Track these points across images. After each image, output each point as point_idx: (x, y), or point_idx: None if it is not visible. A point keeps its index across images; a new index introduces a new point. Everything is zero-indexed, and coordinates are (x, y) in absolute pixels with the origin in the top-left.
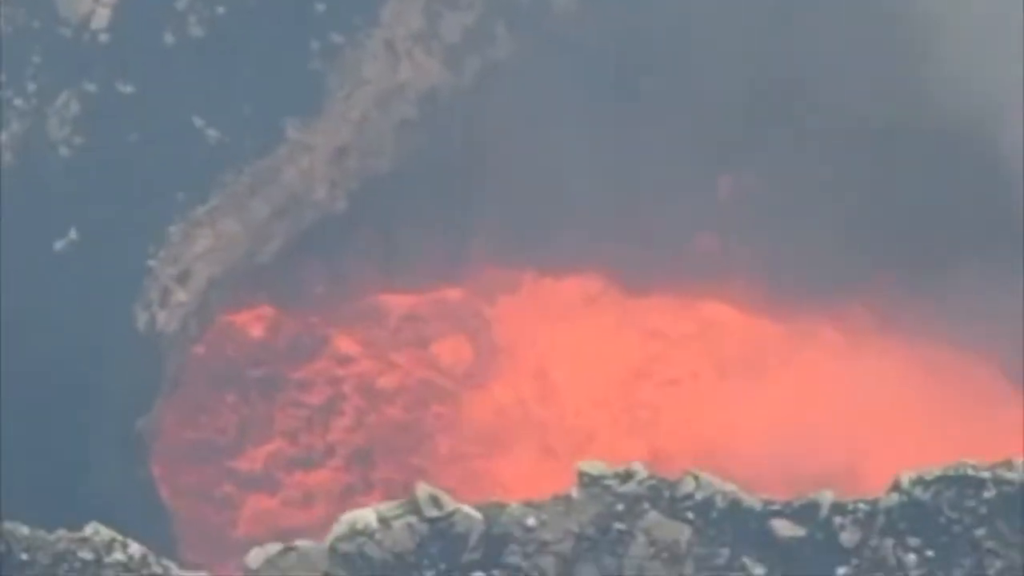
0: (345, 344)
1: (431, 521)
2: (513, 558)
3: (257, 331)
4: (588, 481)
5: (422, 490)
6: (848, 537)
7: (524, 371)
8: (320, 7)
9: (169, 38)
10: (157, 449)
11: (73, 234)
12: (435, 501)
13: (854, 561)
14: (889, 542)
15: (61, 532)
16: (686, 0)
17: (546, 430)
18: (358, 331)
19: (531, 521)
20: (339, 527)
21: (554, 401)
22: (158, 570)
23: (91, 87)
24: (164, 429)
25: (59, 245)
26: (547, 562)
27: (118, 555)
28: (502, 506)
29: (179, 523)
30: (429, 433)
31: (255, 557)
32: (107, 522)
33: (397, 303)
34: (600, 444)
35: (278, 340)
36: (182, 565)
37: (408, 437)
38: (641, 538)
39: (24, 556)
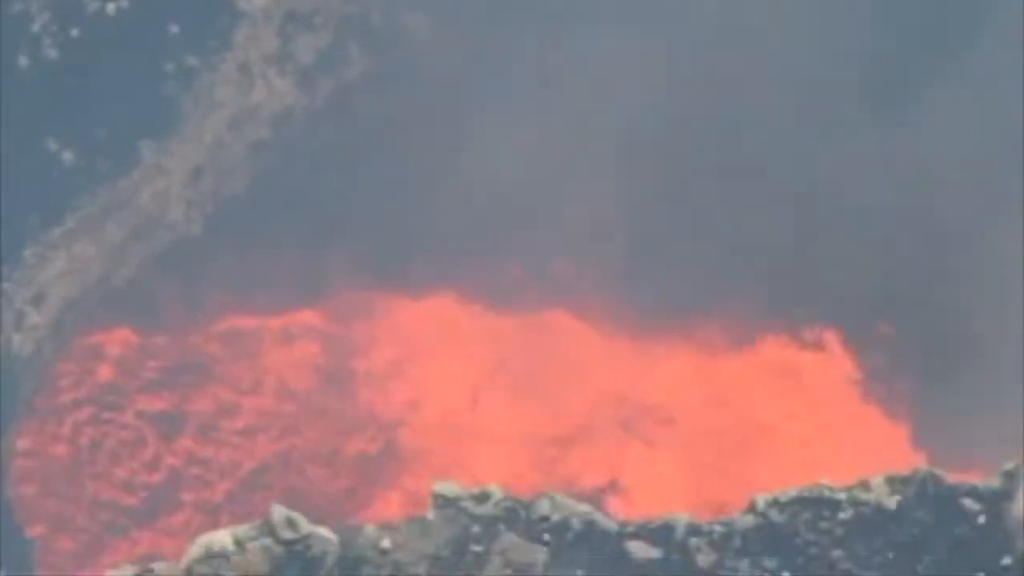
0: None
1: (286, 543)
2: None
3: (130, 354)
4: (443, 503)
5: (278, 512)
6: (704, 559)
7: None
8: (174, 29)
9: (23, 60)
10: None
11: None
12: (291, 523)
13: None
14: (745, 563)
15: None
16: (545, 17)
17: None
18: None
19: (386, 543)
20: (195, 549)
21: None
22: None
23: None
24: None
25: None
26: None
27: None
28: (358, 528)
29: None
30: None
31: None
32: None
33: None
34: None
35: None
36: None
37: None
38: (497, 560)
39: None
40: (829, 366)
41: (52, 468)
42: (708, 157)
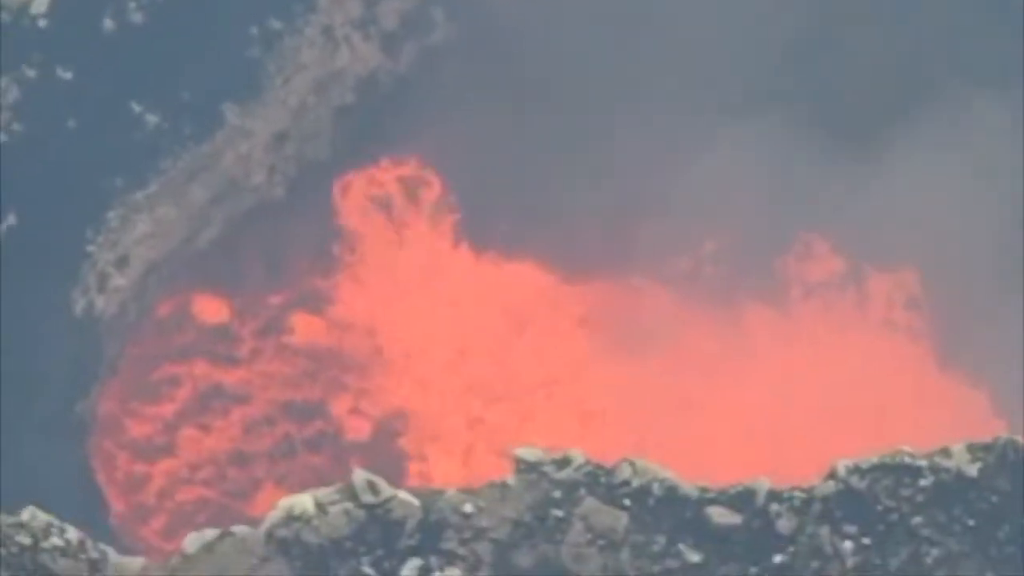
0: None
1: (368, 507)
2: (450, 544)
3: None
4: (525, 468)
5: (359, 476)
6: (784, 524)
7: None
8: None
9: (108, 24)
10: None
11: (11, 219)
12: (372, 487)
13: (790, 548)
14: (825, 530)
15: None
16: None
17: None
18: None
19: (468, 508)
20: (276, 513)
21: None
22: (95, 555)
23: (30, 73)
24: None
25: None
26: (484, 548)
27: (55, 540)
28: (439, 492)
29: None
30: None
31: (191, 542)
32: (44, 507)
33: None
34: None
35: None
36: (120, 550)
37: None
38: (578, 524)
39: None
40: (908, 336)
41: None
42: None
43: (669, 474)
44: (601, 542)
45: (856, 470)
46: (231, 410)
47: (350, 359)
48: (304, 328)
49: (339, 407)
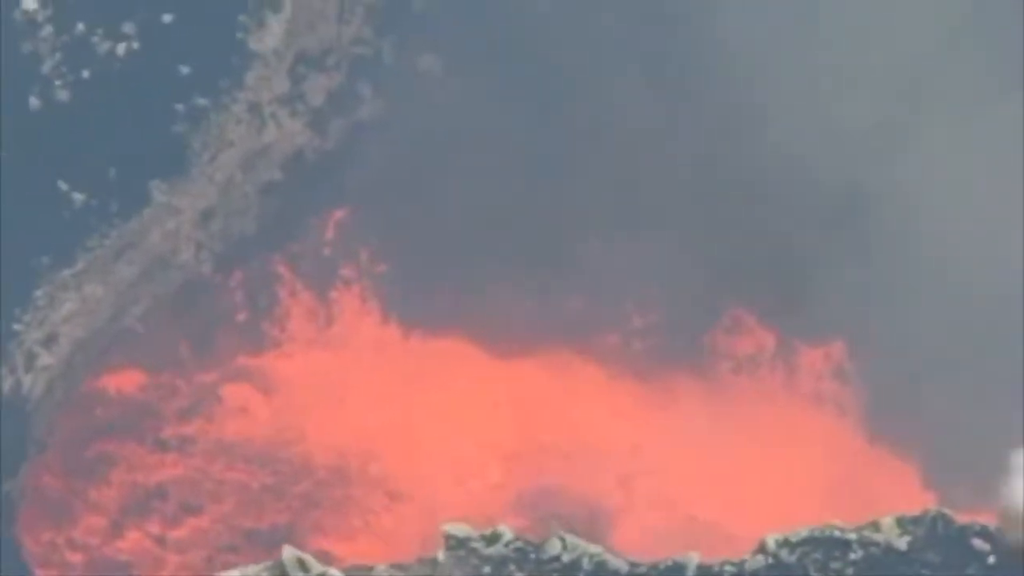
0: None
1: None
2: None
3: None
4: (454, 543)
5: (288, 552)
6: None
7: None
8: (185, 70)
9: (34, 102)
10: None
11: None
12: (302, 564)
13: None
14: None
15: None
16: (552, 62)
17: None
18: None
19: None
20: None
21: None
22: None
23: None
24: None
25: None
26: None
27: None
28: (368, 568)
29: None
30: None
31: None
32: None
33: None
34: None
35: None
36: None
37: None
38: None
39: None
40: (836, 408)
41: None
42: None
43: (599, 549)
44: None
45: (786, 543)
46: (182, 520)
47: (293, 466)
48: (239, 425)
49: (302, 527)
